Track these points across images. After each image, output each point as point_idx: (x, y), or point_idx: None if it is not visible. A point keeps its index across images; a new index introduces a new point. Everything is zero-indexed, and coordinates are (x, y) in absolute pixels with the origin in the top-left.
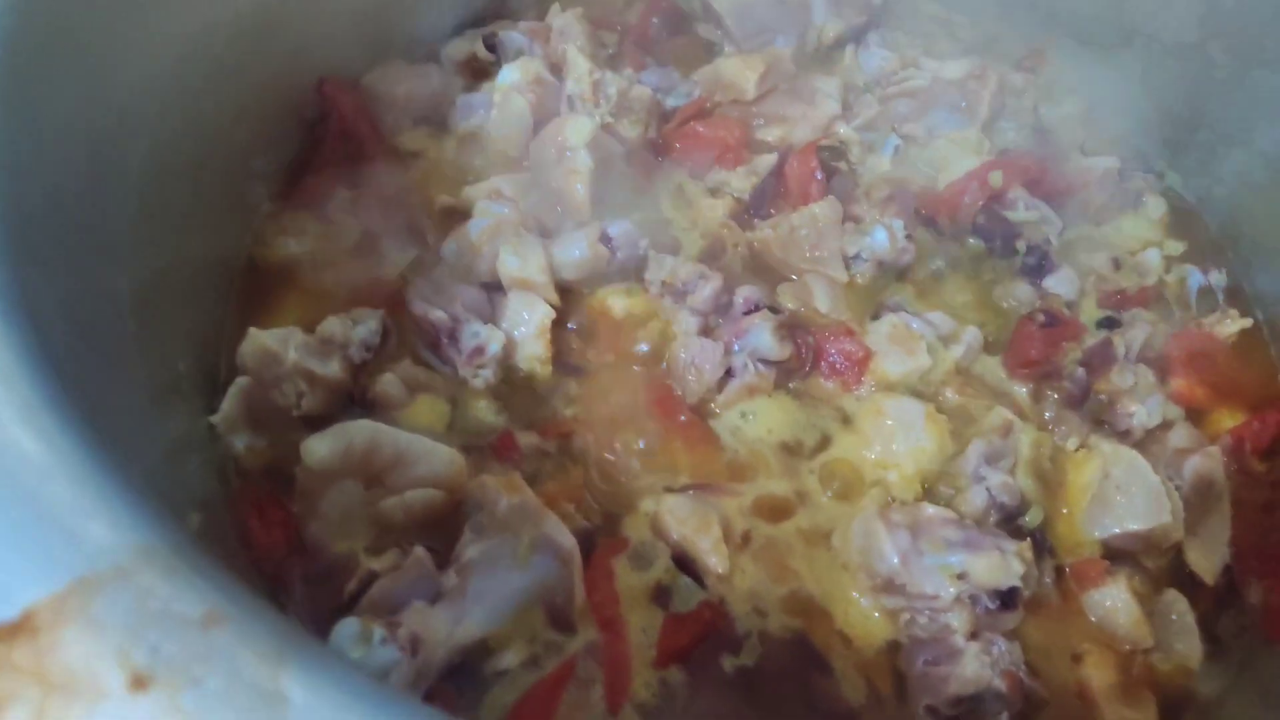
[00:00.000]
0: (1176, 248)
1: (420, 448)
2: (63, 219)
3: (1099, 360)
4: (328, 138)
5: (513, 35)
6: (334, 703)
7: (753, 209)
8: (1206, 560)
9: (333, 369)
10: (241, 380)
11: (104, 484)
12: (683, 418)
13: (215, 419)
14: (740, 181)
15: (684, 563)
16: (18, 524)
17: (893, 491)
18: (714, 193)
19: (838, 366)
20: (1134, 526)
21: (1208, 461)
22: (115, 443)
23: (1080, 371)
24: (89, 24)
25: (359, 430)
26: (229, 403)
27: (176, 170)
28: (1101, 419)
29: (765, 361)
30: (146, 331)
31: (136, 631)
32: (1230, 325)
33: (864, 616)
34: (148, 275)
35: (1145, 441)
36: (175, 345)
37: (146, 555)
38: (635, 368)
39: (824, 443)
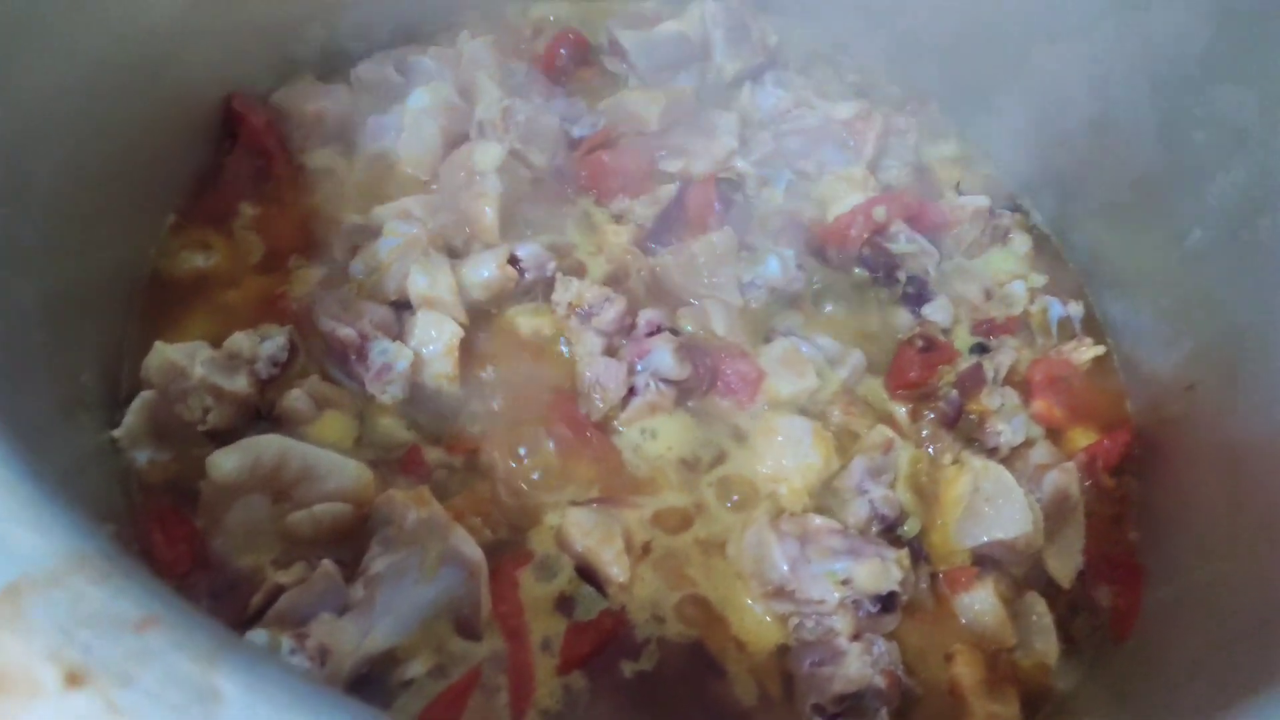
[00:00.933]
0: (1039, 280)
1: (328, 462)
2: None
3: (970, 383)
4: (235, 153)
5: (423, 60)
6: (267, 697)
7: (654, 236)
8: (1063, 566)
9: (239, 384)
10: (146, 394)
11: (30, 492)
12: (587, 434)
13: (117, 433)
14: (643, 209)
15: (587, 573)
16: None
17: (783, 503)
18: (618, 219)
19: (733, 386)
20: (1000, 535)
21: (1064, 476)
22: (27, 454)
23: (954, 393)
24: None
25: (267, 445)
26: (132, 416)
27: (84, 183)
28: (972, 437)
29: (666, 380)
30: (54, 343)
31: (70, 632)
32: (1085, 352)
33: (757, 622)
34: (54, 286)
35: (1010, 458)
36: (81, 357)
37: (78, 561)
38: (541, 386)
39: (720, 458)
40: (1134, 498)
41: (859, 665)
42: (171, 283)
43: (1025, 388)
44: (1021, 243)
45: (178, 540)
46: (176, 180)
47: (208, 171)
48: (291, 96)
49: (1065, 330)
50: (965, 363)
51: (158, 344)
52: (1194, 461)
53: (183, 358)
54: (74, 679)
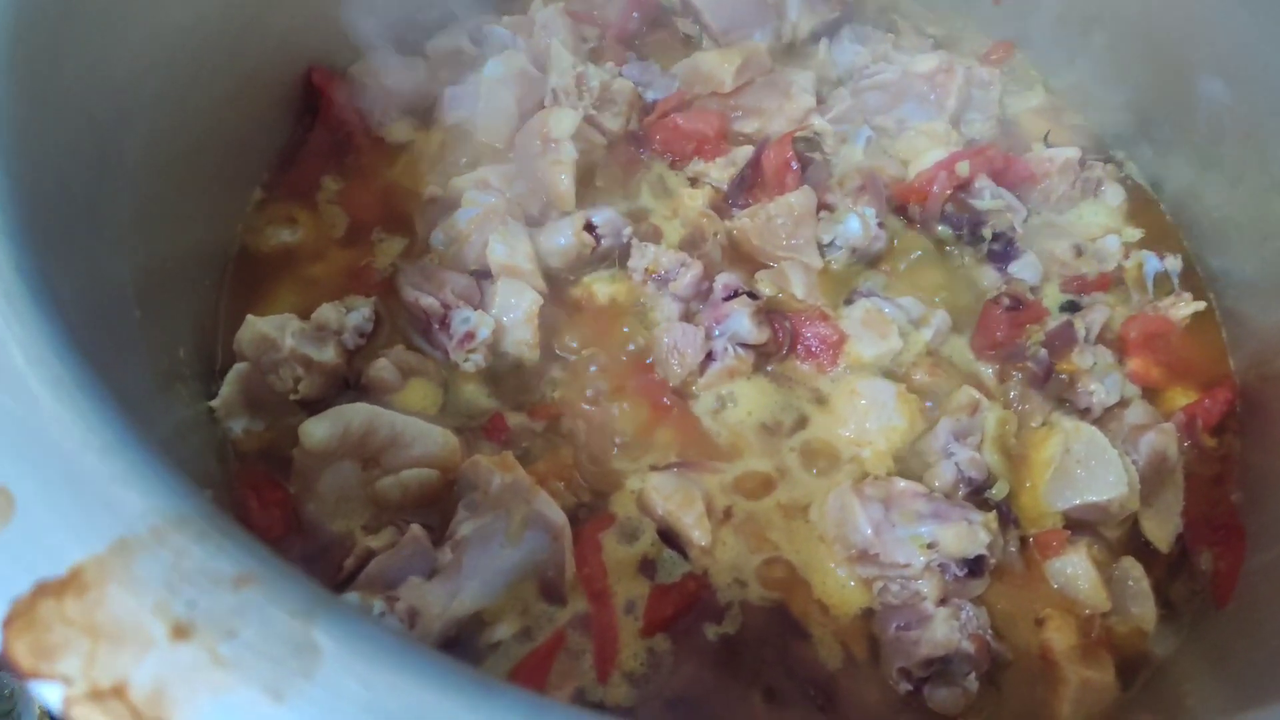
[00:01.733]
0: (1134, 234)
1: (415, 429)
2: (72, 207)
3: (1060, 342)
4: (316, 127)
5: (497, 30)
6: (362, 652)
7: (731, 198)
8: (1161, 530)
9: (328, 354)
10: (240, 366)
11: (134, 456)
12: (666, 400)
13: (214, 404)
14: (719, 172)
15: (669, 537)
16: (59, 492)
17: (867, 467)
18: (693, 183)
19: (813, 349)
20: (1093, 498)
21: (1162, 437)
22: (132, 422)
23: (1043, 352)
24: (86, 15)
25: (356, 413)
26: (227, 388)
27: (172, 159)
28: (1063, 397)
29: (744, 345)
30: (150, 318)
31: (175, 587)
32: (1184, 308)
33: (840, 585)
34: (148, 263)
35: (1104, 419)
36: (176, 332)
37: (179, 520)
38: (620, 352)
39: (801, 422)
40: (1236, 458)
41: (946, 630)
42: (260, 257)
43: (1120, 346)
44: (1115, 195)
45: (271, 505)
46: (261, 155)
47: (290, 146)
48: (369, 70)
49: (1162, 286)
50: (1054, 321)
51: (249, 317)
52: None
53: (273, 330)
54: (180, 632)
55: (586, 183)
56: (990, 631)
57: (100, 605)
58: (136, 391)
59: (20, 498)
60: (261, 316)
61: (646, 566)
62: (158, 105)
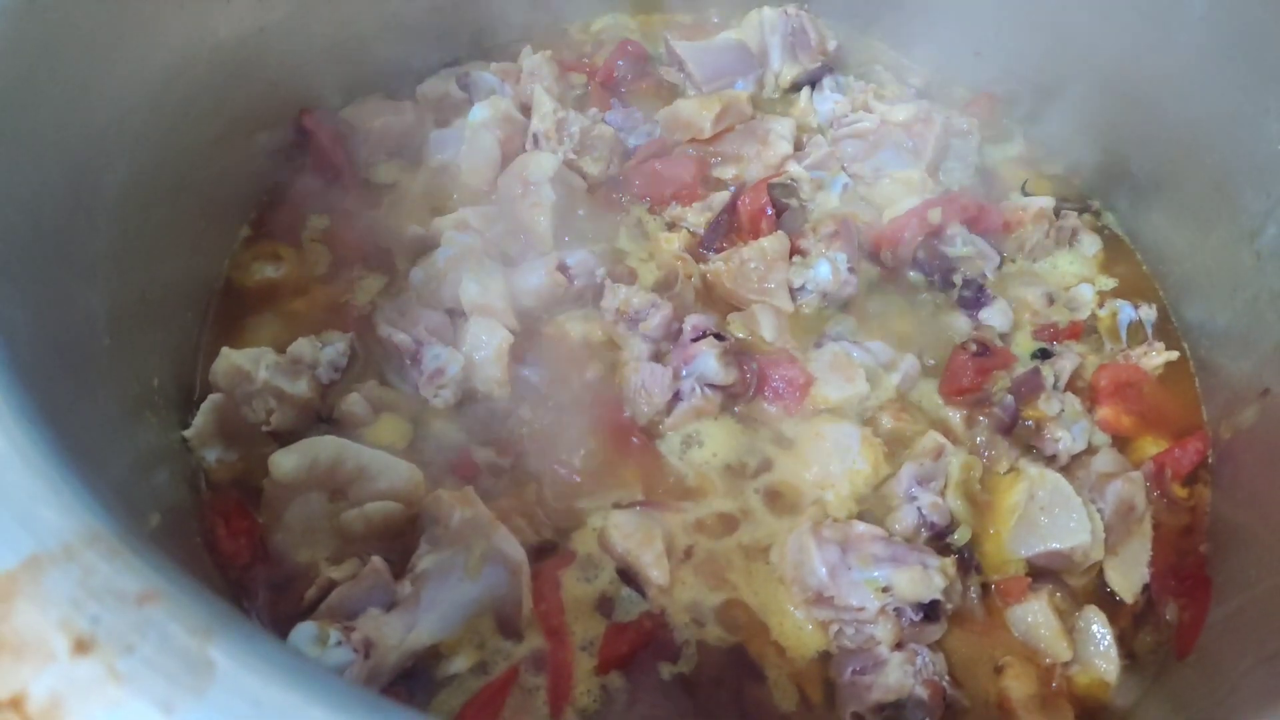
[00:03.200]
0: (1109, 283)
1: (381, 463)
2: (40, 238)
3: (1027, 388)
4: (305, 167)
5: (485, 76)
6: (256, 670)
7: (706, 243)
8: (1126, 580)
9: (301, 388)
10: (214, 397)
11: (57, 475)
12: (633, 439)
13: (188, 433)
14: (696, 216)
15: (628, 575)
16: None
17: (830, 510)
18: (671, 227)
19: (780, 391)
20: (1056, 545)
21: (1129, 486)
22: (81, 447)
23: (1009, 398)
24: (68, 52)
25: (324, 445)
26: (201, 417)
27: (155, 195)
28: (1030, 444)
29: (711, 385)
30: (122, 348)
31: (80, 603)
32: (1157, 357)
33: (797, 628)
34: (125, 295)
35: (1071, 466)
36: (150, 361)
37: (92, 538)
38: (589, 391)
39: (766, 464)
40: (1206, 509)
41: (899, 675)
42: (243, 291)
43: (1091, 394)
44: (1091, 244)
45: (239, 534)
46: (249, 194)
47: (279, 185)
48: (360, 113)
49: (1136, 335)
50: (1023, 367)
51: (224, 350)
52: (1269, 469)
53: (248, 362)
54: (81, 646)
55: (566, 225)
56: (947, 678)
57: (6, 619)
58: (97, 417)
59: None
60: (240, 349)
61: (604, 604)
62: (140, 145)
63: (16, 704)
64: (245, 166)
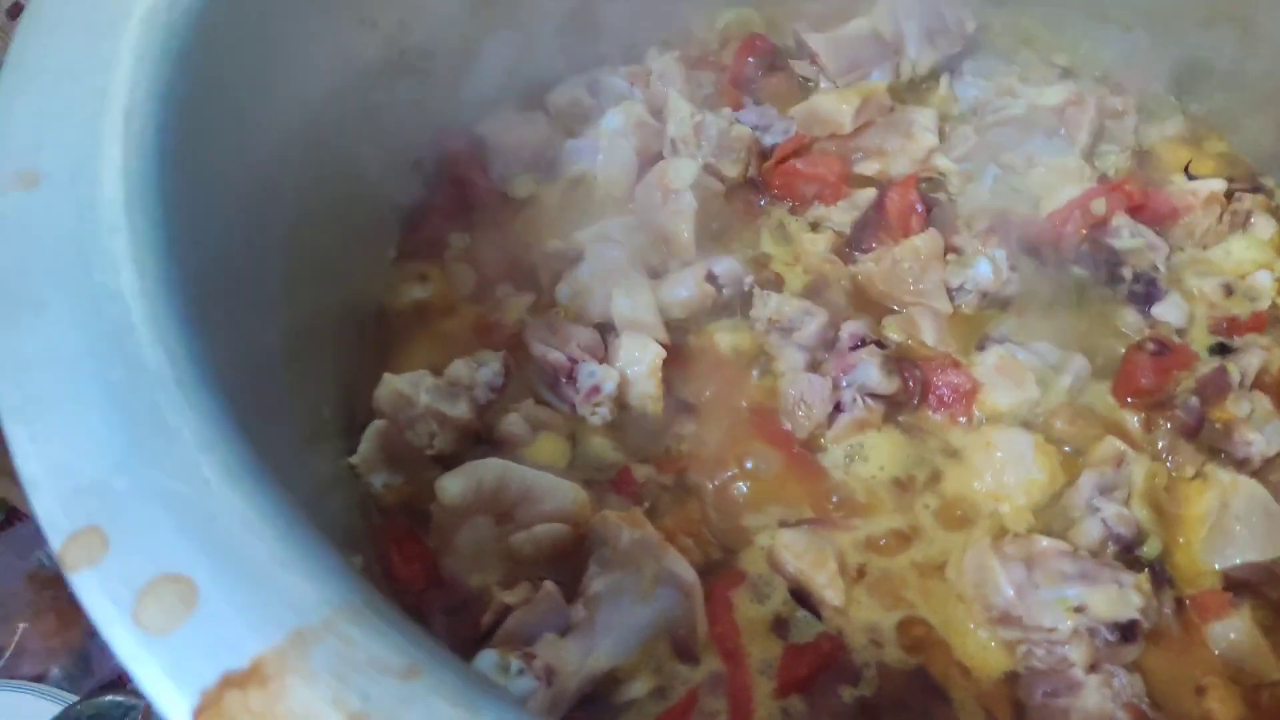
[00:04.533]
0: None
1: (545, 484)
2: (229, 281)
3: (1213, 388)
4: (444, 186)
5: (614, 81)
6: None
7: (854, 243)
8: None
9: (461, 409)
10: (378, 423)
11: (302, 542)
12: (794, 452)
13: (354, 459)
14: (841, 216)
15: (801, 596)
16: (237, 581)
17: (1006, 524)
18: (815, 228)
19: (945, 399)
20: (1255, 557)
21: None
22: (285, 491)
23: (1194, 400)
24: (236, 91)
25: (488, 468)
26: (367, 444)
27: (315, 225)
28: (1218, 447)
29: (873, 395)
30: (296, 380)
31: (347, 679)
32: None
33: (981, 647)
34: (294, 327)
35: (1264, 470)
36: (320, 392)
37: (349, 610)
38: (744, 404)
39: (935, 476)
40: None
41: (1098, 699)
42: (395, 314)
43: (1277, 390)
44: (1266, 227)
45: (413, 559)
46: (394, 216)
47: (421, 206)
48: (493, 127)
49: None
50: (1205, 366)
51: (386, 375)
52: None
53: (408, 387)
54: None
55: (707, 230)
56: (1146, 700)
57: (281, 698)
58: (285, 454)
59: (202, 588)
60: (398, 373)
61: (779, 626)
62: (301, 175)
63: None
64: (390, 190)
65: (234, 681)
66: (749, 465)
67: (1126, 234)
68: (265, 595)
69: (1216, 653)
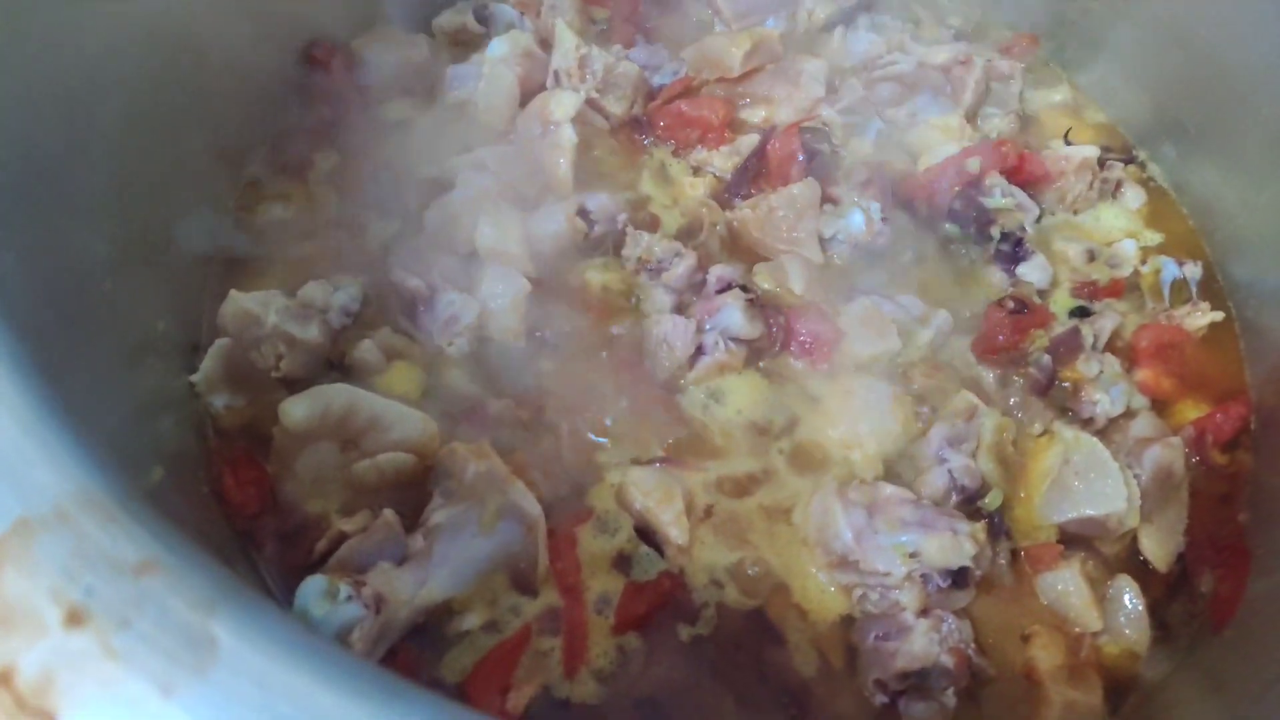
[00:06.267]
0: (1154, 239)
1: (395, 413)
2: (33, 175)
3: (1065, 348)
4: (315, 101)
5: (504, 8)
6: (261, 649)
7: (733, 189)
8: (1161, 548)
9: (312, 333)
10: (222, 341)
11: (50, 433)
12: (654, 393)
13: (195, 378)
14: (723, 161)
15: (646, 533)
16: None
17: (856, 471)
18: (696, 171)
19: (808, 346)
20: (1090, 512)
21: (1168, 452)
22: (78, 398)
23: (1046, 358)
24: None
25: (336, 393)
26: (209, 362)
27: (155, 131)
28: (1066, 406)
29: (736, 339)
30: (124, 291)
31: (73, 572)
32: (1201, 318)
33: (820, 591)
34: (126, 237)
35: (1108, 430)
36: (154, 305)
37: (86, 501)
38: (609, 343)
39: (791, 422)
40: (1247, 476)
41: (924, 642)
42: (250, 232)
43: (1130, 355)
44: (1135, 197)
45: (248, 484)
46: (256, 130)
47: (287, 123)
48: (372, 45)
49: (1179, 294)
50: (1061, 326)
51: (233, 292)
52: None
53: (257, 306)
54: (74, 619)
55: (586, 167)
56: (973, 646)
57: None
58: (96, 366)
59: None
60: (249, 293)
61: (622, 562)
62: (137, 76)
63: (6, 678)
64: (251, 102)
65: None
66: (607, 404)
67: (999, 193)
68: None
69: (1045, 602)
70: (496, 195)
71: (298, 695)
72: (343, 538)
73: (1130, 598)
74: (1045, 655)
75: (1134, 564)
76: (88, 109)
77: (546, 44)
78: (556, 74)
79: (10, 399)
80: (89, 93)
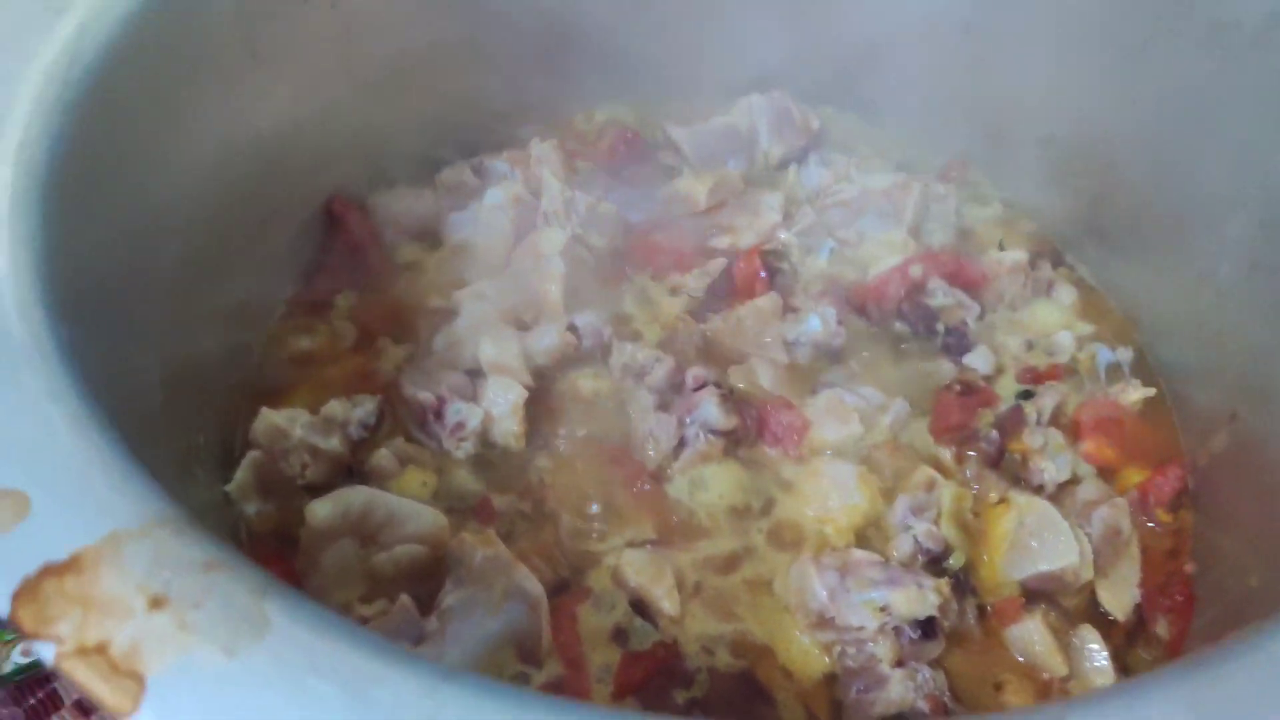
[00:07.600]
0: (1087, 329)
1: (408, 509)
2: (108, 307)
3: (1010, 424)
4: (336, 249)
5: (497, 164)
6: (308, 625)
7: (706, 305)
8: (1117, 600)
9: (334, 444)
10: (254, 453)
11: (131, 472)
12: (643, 483)
13: (230, 486)
14: (695, 282)
15: (640, 607)
16: (67, 496)
17: (830, 542)
18: (673, 291)
19: (780, 435)
20: (1046, 567)
21: (1114, 511)
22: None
23: (994, 433)
24: (128, 141)
25: (356, 494)
26: (242, 472)
27: (203, 272)
28: (1018, 475)
29: (714, 431)
30: (173, 403)
31: (154, 571)
32: (1135, 394)
33: (803, 652)
34: (176, 357)
35: (1059, 495)
36: (197, 419)
37: (163, 520)
38: (600, 441)
39: (769, 504)
40: (1190, 532)
41: (901, 690)
42: (279, 360)
43: (1074, 429)
44: (1067, 294)
45: (278, 578)
46: (286, 272)
47: (312, 265)
48: (385, 200)
49: (1114, 374)
50: (1006, 405)
51: (263, 410)
52: (1241, 487)
53: (285, 421)
54: (156, 604)
55: (575, 294)
56: (948, 693)
57: (93, 583)
58: (157, 470)
59: (35, 501)
60: (278, 410)
61: (619, 635)
62: (191, 226)
63: (101, 649)
64: (282, 249)
65: (53, 570)
66: (600, 495)
67: (940, 294)
68: (91, 508)
69: (1014, 653)
70: (496, 319)
71: (335, 656)
72: (364, 623)
73: (1093, 645)
74: (1016, 700)
75: (1095, 614)
76: (153, 251)
77: (536, 192)
78: (545, 215)
79: (101, 447)
80: (154, 237)
